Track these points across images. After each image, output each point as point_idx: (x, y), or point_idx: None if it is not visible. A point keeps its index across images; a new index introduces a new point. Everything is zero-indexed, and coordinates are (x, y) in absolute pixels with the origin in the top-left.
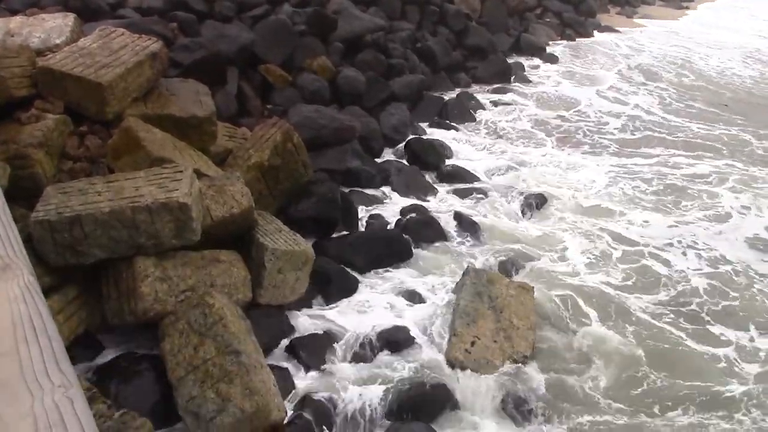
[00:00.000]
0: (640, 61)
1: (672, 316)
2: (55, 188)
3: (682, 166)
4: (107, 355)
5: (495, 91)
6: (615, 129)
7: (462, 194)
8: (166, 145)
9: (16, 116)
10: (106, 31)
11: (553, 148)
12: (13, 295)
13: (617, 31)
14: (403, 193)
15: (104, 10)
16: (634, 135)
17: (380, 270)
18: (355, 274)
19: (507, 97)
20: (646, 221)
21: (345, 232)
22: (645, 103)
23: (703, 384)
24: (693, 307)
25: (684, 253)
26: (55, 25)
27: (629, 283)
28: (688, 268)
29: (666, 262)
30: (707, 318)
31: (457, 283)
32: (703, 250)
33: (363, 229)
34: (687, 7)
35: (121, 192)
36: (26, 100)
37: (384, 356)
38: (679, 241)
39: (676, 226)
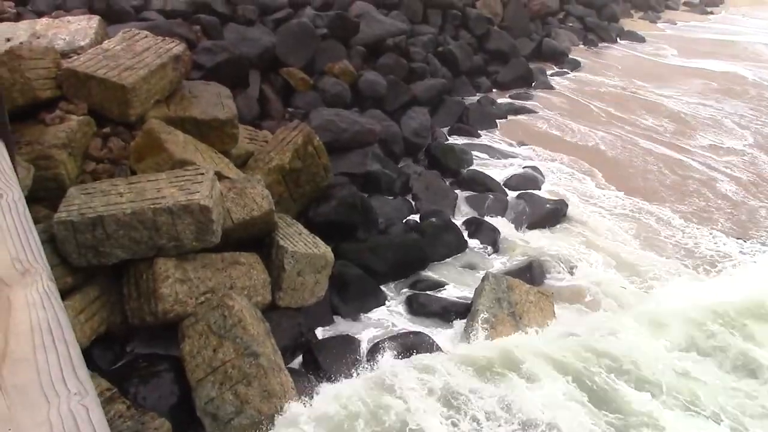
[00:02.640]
0: None
1: None
2: (78, 189)
3: None
4: (127, 356)
5: (516, 96)
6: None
7: (482, 201)
8: (188, 147)
9: (40, 117)
10: (130, 33)
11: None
12: (31, 300)
13: (641, 39)
14: (423, 198)
15: (128, 13)
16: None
17: (399, 275)
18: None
19: (529, 103)
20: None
21: (364, 237)
22: None
23: None
24: None
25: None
26: (79, 27)
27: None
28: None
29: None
30: None
31: (476, 289)
32: None
33: (382, 234)
34: (711, 12)
35: (143, 193)
36: (51, 102)
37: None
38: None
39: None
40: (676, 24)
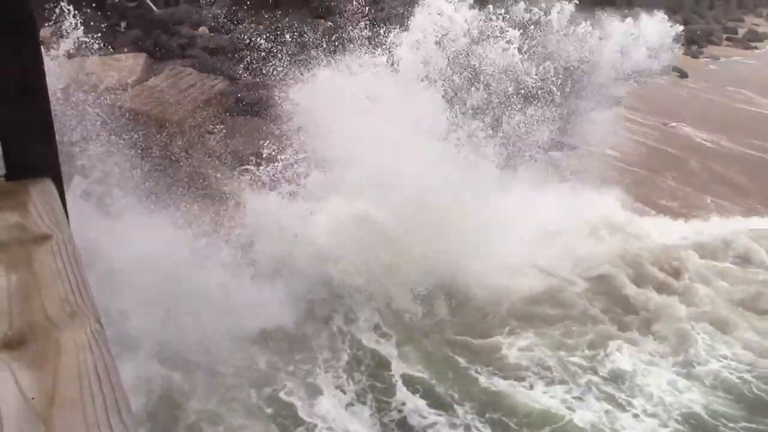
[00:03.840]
0: None
1: None
2: None
3: None
4: None
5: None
6: None
7: None
8: None
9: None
10: (175, 70)
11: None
12: (80, 343)
13: (684, 74)
14: None
15: (174, 50)
16: None
17: None
18: None
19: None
20: None
21: None
22: None
23: None
24: None
25: None
26: (127, 65)
27: None
28: None
29: None
30: None
31: None
32: None
33: None
34: (755, 47)
35: None
36: None
37: None
38: None
39: None
40: (719, 59)
